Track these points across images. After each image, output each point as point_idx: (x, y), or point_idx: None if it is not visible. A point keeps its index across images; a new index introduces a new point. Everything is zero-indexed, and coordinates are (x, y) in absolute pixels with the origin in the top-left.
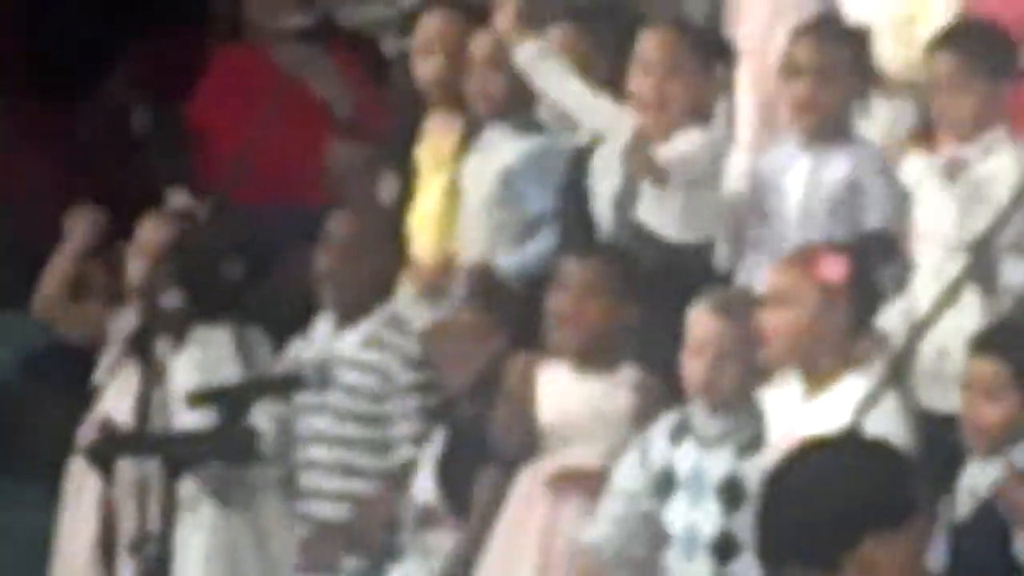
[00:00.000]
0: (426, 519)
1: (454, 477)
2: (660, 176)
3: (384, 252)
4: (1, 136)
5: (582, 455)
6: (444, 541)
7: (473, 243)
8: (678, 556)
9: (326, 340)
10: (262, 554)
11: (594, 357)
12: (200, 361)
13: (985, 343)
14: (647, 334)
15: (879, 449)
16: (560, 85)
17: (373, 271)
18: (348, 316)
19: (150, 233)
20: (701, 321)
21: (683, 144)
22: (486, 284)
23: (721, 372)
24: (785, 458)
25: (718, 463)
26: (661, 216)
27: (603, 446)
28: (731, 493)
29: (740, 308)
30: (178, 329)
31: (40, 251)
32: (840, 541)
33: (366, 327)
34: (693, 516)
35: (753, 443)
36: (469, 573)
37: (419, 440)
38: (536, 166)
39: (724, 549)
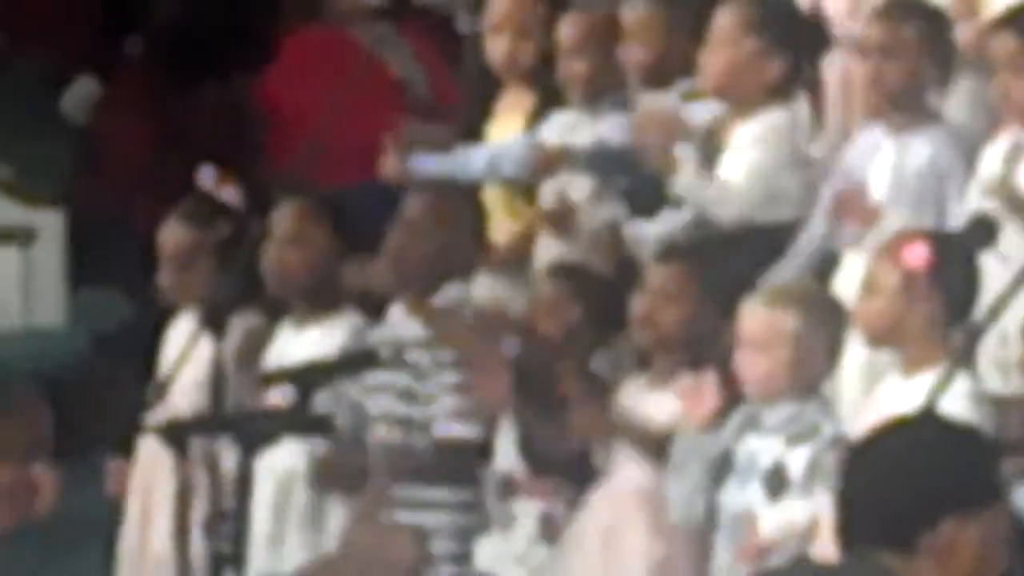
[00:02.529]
0: (509, 488)
1: (535, 443)
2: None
3: (457, 232)
4: (105, 112)
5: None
6: (529, 509)
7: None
8: (723, 540)
9: (399, 320)
10: (318, 532)
11: (669, 359)
12: (324, 341)
13: None
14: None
15: (961, 431)
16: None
17: (445, 251)
18: (419, 296)
19: (178, 235)
20: (746, 312)
21: (760, 124)
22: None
23: (761, 362)
24: (866, 438)
25: (768, 450)
26: (706, 194)
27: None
28: (775, 480)
29: (791, 302)
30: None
31: (128, 233)
32: (918, 522)
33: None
34: (740, 501)
35: (806, 433)
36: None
37: (460, 417)
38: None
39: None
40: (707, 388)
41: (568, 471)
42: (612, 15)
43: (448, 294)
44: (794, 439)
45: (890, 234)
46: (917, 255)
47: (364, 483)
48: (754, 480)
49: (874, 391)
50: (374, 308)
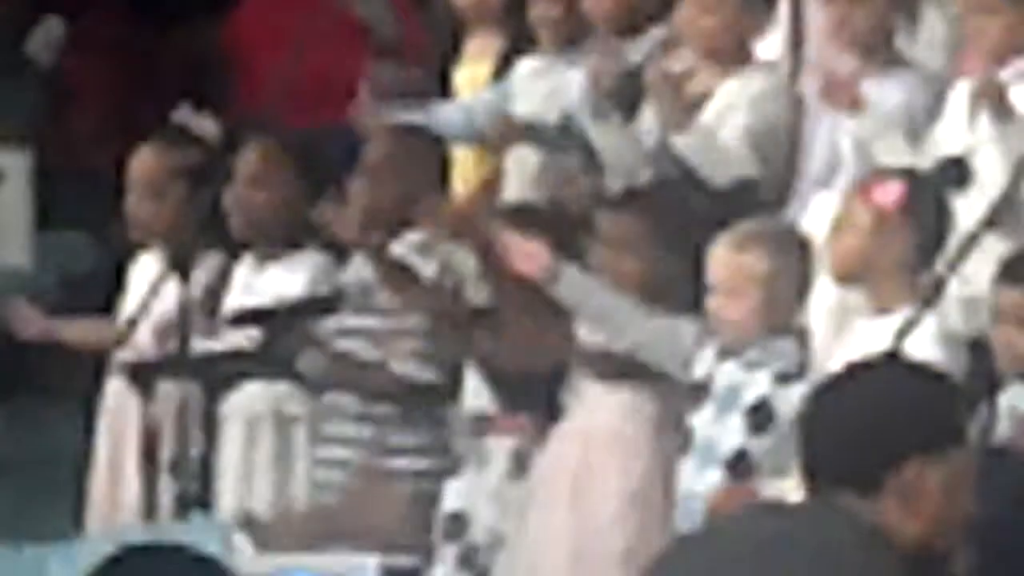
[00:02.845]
0: (480, 426)
1: (505, 375)
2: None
3: (420, 178)
4: (71, 53)
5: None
6: (501, 445)
7: (520, 173)
8: (691, 464)
9: (364, 262)
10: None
11: None
12: (286, 280)
13: (1013, 272)
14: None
15: (925, 372)
16: (617, 313)
17: (407, 197)
18: (382, 241)
19: (149, 161)
20: (717, 258)
21: (750, 84)
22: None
23: (732, 305)
24: (830, 379)
25: (754, 385)
26: (708, 157)
27: (634, 403)
28: (760, 415)
29: (758, 243)
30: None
31: (94, 174)
32: (883, 462)
33: (395, 249)
34: (715, 429)
35: (793, 372)
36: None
37: (423, 359)
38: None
39: (737, 467)
40: (537, 249)
41: (539, 406)
42: None
43: (411, 240)
44: (784, 378)
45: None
46: (889, 193)
47: None
48: (735, 413)
49: (844, 331)
50: (339, 250)
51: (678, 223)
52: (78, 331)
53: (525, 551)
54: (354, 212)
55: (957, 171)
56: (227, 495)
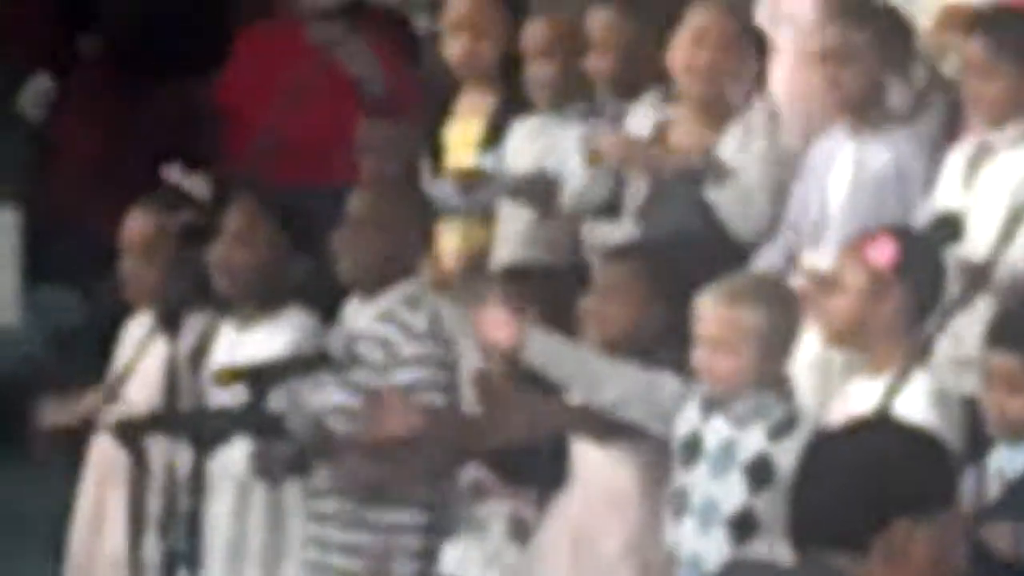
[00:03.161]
0: (477, 492)
1: (501, 452)
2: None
3: (403, 231)
4: (60, 109)
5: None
6: (498, 510)
7: (509, 238)
8: (692, 527)
9: (350, 318)
10: (279, 535)
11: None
12: (269, 341)
13: (1001, 334)
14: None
15: (915, 433)
16: (587, 372)
17: (390, 250)
18: (367, 293)
19: (144, 222)
20: (703, 310)
21: (755, 135)
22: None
23: (723, 360)
24: (819, 438)
25: (750, 441)
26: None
27: (633, 462)
28: (760, 472)
29: (745, 297)
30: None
31: (83, 230)
32: (870, 523)
33: (382, 302)
34: (713, 489)
35: (786, 425)
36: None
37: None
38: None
39: (742, 526)
40: (504, 319)
41: (536, 474)
42: (578, 21)
43: (406, 289)
44: (777, 431)
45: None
46: (883, 251)
47: (305, 468)
48: (733, 471)
49: (842, 390)
50: (325, 308)
51: (670, 274)
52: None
53: None
54: (338, 262)
55: (950, 228)
56: (220, 561)
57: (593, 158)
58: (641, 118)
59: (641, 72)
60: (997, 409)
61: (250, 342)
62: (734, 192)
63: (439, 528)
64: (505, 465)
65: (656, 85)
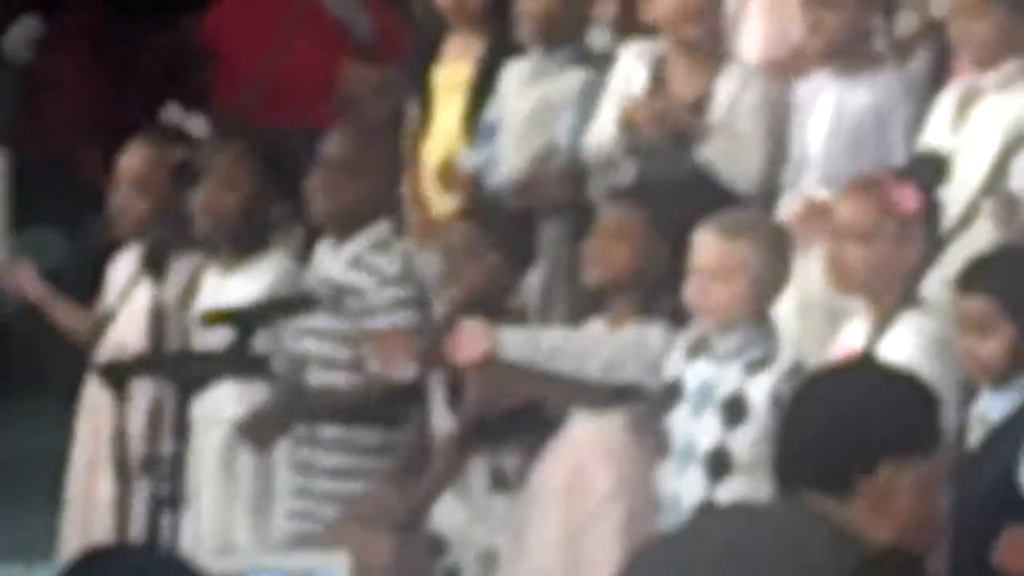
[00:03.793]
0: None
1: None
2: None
3: (377, 176)
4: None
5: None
6: (478, 462)
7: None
8: (672, 468)
9: (322, 263)
10: (268, 478)
11: (621, 301)
12: (251, 285)
13: (970, 279)
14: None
15: (900, 376)
16: (568, 353)
17: (362, 193)
18: (337, 237)
19: (141, 156)
20: (702, 243)
21: (749, 88)
22: (477, 200)
23: (718, 291)
24: (806, 382)
25: (726, 379)
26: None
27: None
28: (733, 409)
29: (741, 231)
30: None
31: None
32: (856, 465)
33: (352, 248)
34: (692, 428)
35: (762, 361)
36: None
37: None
38: (584, 101)
39: (717, 464)
40: (479, 332)
41: (516, 426)
42: None
43: (375, 233)
44: (752, 367)
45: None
46: (910, 197)
47: (286, 432)
48: (710, 408)
49: (843, 336)
50: (300, 247)
51: (671, 217)
52: (64, 312)
53: (523, 566)
54: (312, 203)
55: (933, 167)
56: (210, 504)
57: (630, 126)
58: (634, 61)
59: (639, 13)
60: (969, 353)
61: (233, 285)
62: (726, 147)
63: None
64: (484, 424)
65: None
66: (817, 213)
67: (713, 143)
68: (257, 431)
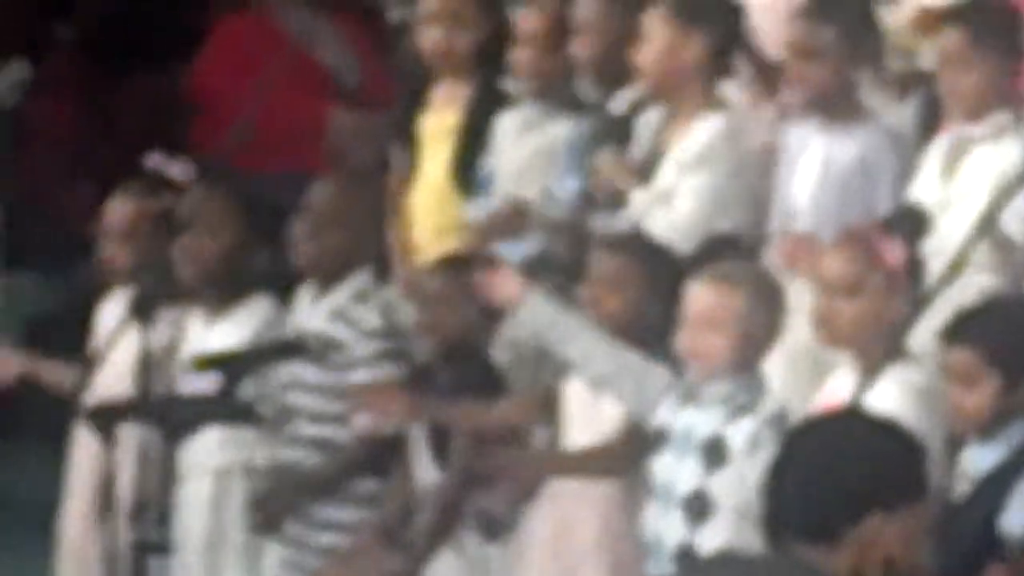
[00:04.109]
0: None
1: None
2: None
3: (361, 223)
4: (35, 96)
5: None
6: (467, 516)
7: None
8: (655, 511)
9: (303, 315)
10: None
11: None
12: (236, 332)
13: (956, 331)
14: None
15: (887, 427)
16: (582, 342)
17: (346, 241)
18: (320, 287)
19: (127, 207)
20: (694, 291)
21: (698, 139)
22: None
23: (710, 340)
24: (794, 432)
25: (707, 422)
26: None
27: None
28: (713, 452)
29: (735, 281)
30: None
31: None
32: (843, 515)
33: (332, 299)
34: (672, 472)
35: (745, 407)
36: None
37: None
38: (574, 150)
39: (697, 507)
40: (513, 275)
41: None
42: (565, 9)
43: (356, 283)
44: (735, 412)
45: (839, 232)
46: (896, 253)
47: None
48: (691, 452)
49: (827, 384)
50: (282, 293)
51: (665, 267)
52: (48, 372)
53: None
54: (296, 252)
55: (914, 221)
56: (198, 553)
57: (596, 183)
58: (646, 124)
59: (624, 61)
60: (955, 405)
61: (218, 332)
62: (665, 222)
63: None
64: (472, 476)
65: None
66: (803, 245)
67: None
68: (265, 515)
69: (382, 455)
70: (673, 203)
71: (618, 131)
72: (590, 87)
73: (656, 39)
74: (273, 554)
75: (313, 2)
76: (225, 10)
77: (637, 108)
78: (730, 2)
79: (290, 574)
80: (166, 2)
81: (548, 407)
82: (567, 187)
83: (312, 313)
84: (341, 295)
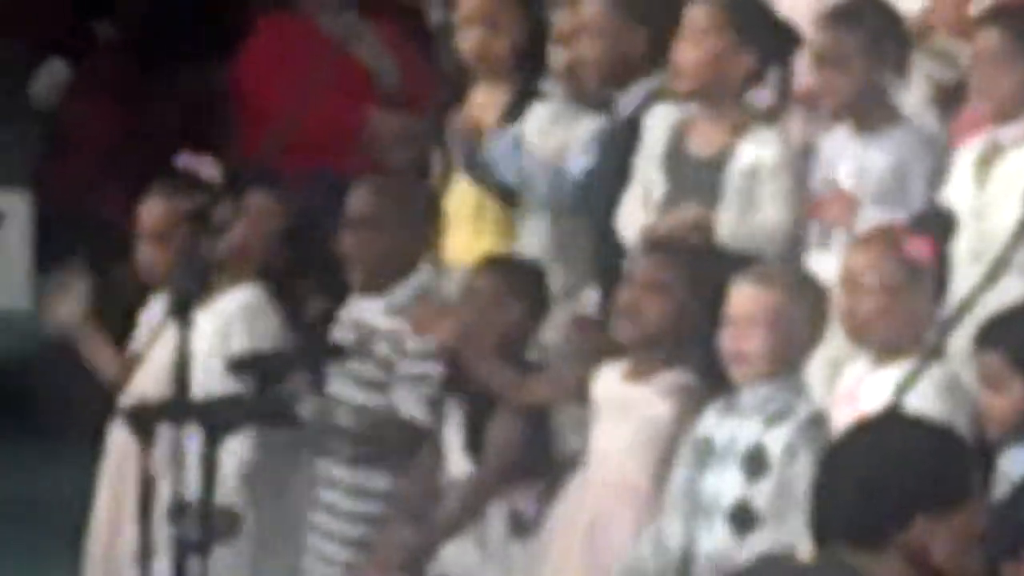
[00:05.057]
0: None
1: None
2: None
3: (406, 228)
4: (74, 96)
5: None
6: (497, 507)
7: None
8: (702, 524)
9: (357, 312)
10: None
11: (649, 354)
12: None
13: (986, 335)
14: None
15: (933, 429)
16: None
17: (395, 248)
18: (373, 290)
19: (159, 207)
20: (738, 292)
21: (767, 148)
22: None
23: (752, 341)
24: (841, 437)
25: (748, 432)
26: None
27: (647, 456)
28: (754, 462)
29: (778, 281)
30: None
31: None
32: (891, 521)
33: (391, 298)
34: (715, 484)
35: (782, 413)
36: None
37: (427, 405)
38: (598, 146)
39: (741, 518)
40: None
41: (536, 468)
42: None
43: (418, 281)
44: (771, 419)
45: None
46: (922, 248)
47: None
48: (732, 463)
49: (843, 380)
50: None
51: (706, 269)
52: (97, 347)
53: None
54: (350, 266)
55: (941, 223)
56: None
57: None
58: (658, 120)
59: (633, 63)
60: (987, 409)
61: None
62: (751, 229)
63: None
64: (506, 470)
65: (644, 75)
66: (843, 200)
67: (730, 208)
68: None
69: (407, 446)
70: (762, 210)
71: (626, 130)
72: (595, 86)
73: (705, 44)
74: (302, 547)
75: (353, 4)
76: (265, 11)
77: (645, 104)
78: (788, 27)
79: (323, 567)
80: (206, 2)
81: (580, 392)
82: (579, 164)
83: (367, 308)
84: (402, 294)
